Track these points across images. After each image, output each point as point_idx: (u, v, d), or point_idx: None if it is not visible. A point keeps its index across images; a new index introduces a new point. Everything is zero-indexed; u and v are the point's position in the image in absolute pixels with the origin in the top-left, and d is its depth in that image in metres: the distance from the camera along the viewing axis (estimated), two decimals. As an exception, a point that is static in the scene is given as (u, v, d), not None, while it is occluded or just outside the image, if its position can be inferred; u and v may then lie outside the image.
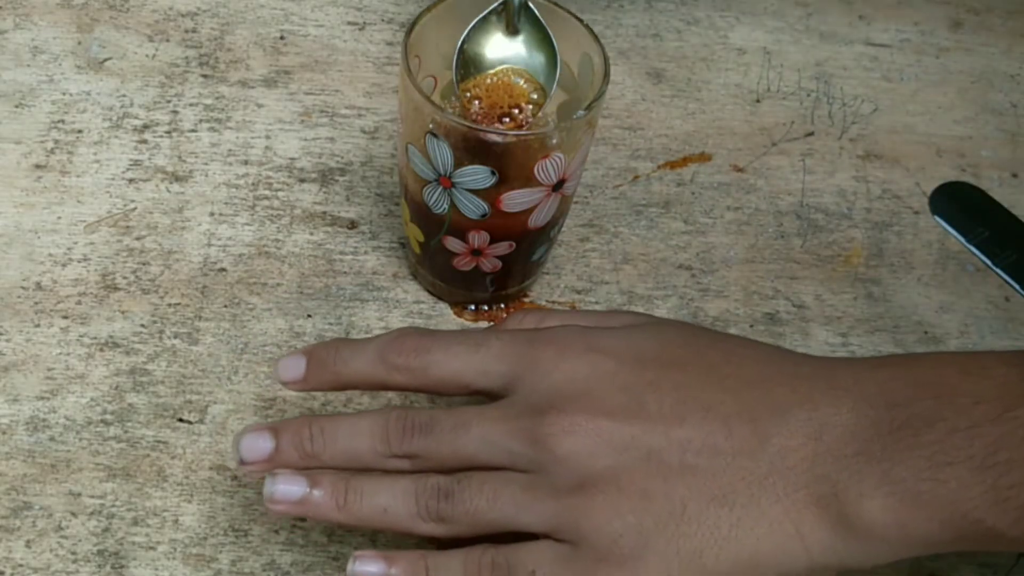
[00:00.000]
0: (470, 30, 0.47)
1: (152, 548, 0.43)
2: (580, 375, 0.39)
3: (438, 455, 0.39)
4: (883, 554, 0.37)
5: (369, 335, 0.50)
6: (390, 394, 0.48)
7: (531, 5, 0.47)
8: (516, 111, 0.48)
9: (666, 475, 0.37)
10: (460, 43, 0.47)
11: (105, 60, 0.59)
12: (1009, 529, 0.35)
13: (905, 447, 0.36)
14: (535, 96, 0.48)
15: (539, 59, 0.48)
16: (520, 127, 0.48)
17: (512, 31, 0.48)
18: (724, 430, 0.38)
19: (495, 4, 0.47)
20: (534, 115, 0.48)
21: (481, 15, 0.47)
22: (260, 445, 0.40)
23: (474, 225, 0.47)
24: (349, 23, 0.62)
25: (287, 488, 0.39)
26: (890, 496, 0.36)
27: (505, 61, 0.48)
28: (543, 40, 0.48)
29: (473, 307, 0.52)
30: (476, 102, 0.48)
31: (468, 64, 0.48)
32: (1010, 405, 0.36)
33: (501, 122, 0.48)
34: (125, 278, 0.51)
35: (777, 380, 0.39)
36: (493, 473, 0.38)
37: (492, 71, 0.48)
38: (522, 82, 0.48)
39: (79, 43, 0.59)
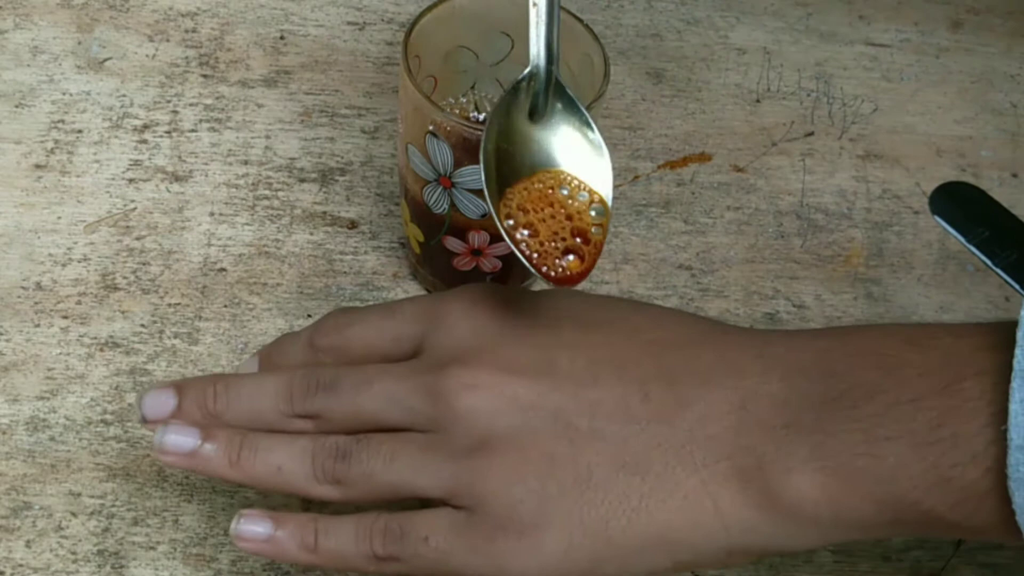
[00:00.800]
0: (493, 116, 0.37)
1: (152, 548, 0.43)
2: (488, 329, 0.37)
3: (341, 414, 0.37)
4: (811, 537, 0.34)
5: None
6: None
7: (561, 81, 0.38)
8: (580, 241, 0.37)
9: (573, 438, 0.35)
10: (484, 141, 0.37)
11: (105, 60, 0.59)
12: (949, 512, 0.32)
13: (840, 419, 0.33)
14: (595, 213, 0.37)
15: (578, 151, 0.38)
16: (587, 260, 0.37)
17: (537, 117, 0.39)
18: (640, 393, 0.35)
19: (521, 76, 0.38)
20: (603, 240, 0.37)
21: (503, 96, 0.38)
22: (162, 402, 0.38)
23: (474, 225, 0.47)
24: (349, 23, 0.62)
25: (178, 439, 0.37)
26: (821, 471, 0.33)
27: (534, 159, 0.38)
28: (578, 123, 0.38)
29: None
30: (524, 232, 0.37)
31: (497, 166, 0.37)
32: (957, 376, 0.32)
33: (564, 258, 0.37)
34: (125, 278, 0.51)
35: (705, 346, 0.36)
36: (393, 434, 0.36)
37: (526, 178, 0.37)
38: (567, 192, 0.37)
39: (79, 43, 0.59)
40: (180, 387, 0.39)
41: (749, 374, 0.35)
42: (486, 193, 0.37)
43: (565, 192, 0.38)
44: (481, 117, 0.51)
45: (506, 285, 0.38)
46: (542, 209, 0.37)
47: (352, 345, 0.39)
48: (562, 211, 0.37)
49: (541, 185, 0.37)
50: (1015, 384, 0.31)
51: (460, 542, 0.35)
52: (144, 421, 0.38)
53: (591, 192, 0.38)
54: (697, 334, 0.37)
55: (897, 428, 0.32)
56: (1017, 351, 0.31)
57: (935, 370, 0.33)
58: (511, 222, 0.37)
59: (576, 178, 0.38)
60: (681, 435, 0.34)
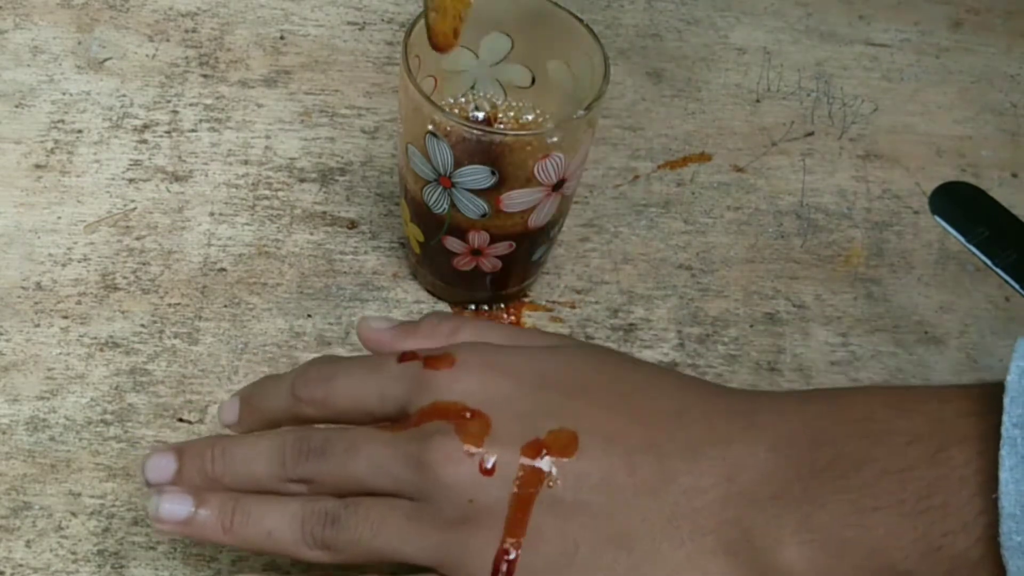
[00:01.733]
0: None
1: (152, 548, 0.43)
2: (474, 398, 0.36)
3: (332, 479, 0.37)
4: None
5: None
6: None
7: None
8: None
9: (558, 511, 0.34)
10: None
11: (105, 60, 0.59)
12: None
13: (829, 490, 0.33)
14: None
15: None
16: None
17: None
18: (627, 465, 0.34)
19: None
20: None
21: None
22: (164, 465, 0.39)
23: (474, 225, 0.47)
24: (349, 23, 0.62)
25: (172, 507, 0.38)
26: (809, 543, 0.33)
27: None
28: None
29: (473, 307, 0.52)
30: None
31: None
32: (944, 444, 0.32)
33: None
34: (125, 278, 0.51)
35: (692, 415, 0.36)
36: (380, 499, 0.36)
37: None
38: None
39: (79, 43, 0.59)
40: (180, 451, 0.39)
41: (737, 444, 0.35)
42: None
43: None
44: (481, 117, 0.51)
45: (487, 344, 0.39)
46: None
47: (336, 399, 0.39)
48: None
49: None
50: (1004, 452, 0.30)
51: None
52: (148, 484, 0.39)
53: None
54: (686, 402, 0.36)
55: (886, 498, 0.32)
56: (1004, 418, 0.31)
57: (923, 437, 0.33)
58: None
59: None
60: (668, 508, 0.34)
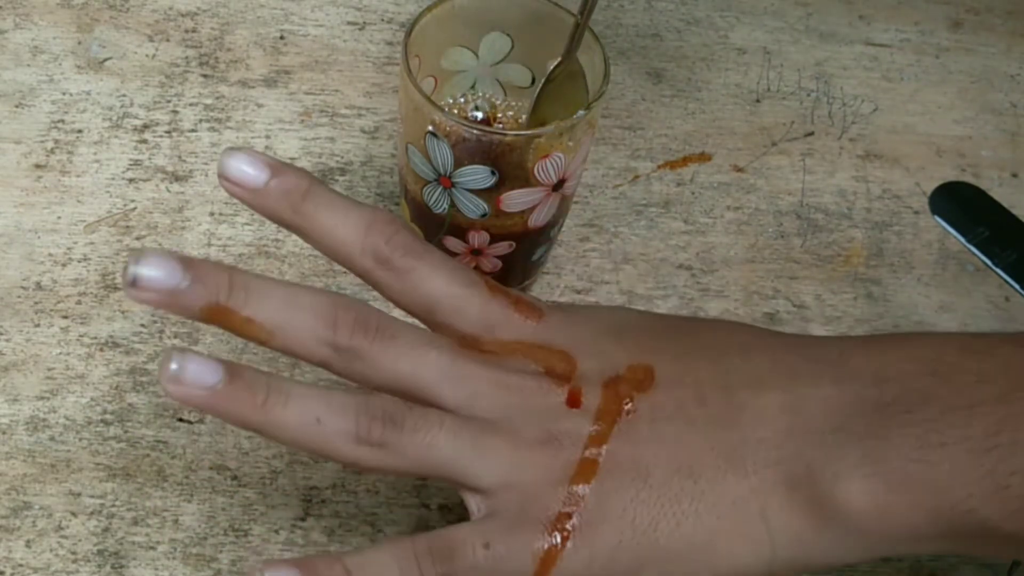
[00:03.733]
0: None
1: (152, 548, 0.43)
2: (556, 342, 0.37)
3: (387, 365, 0.35)
4: (856, 549, 0.33)
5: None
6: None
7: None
8: None
9: (634, 439, 0.35)
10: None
11: (105, 60, 0.59)
12: (1005, 522, 0.31)
13: (893, 424, 0.33)
14: None
15: None
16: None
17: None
18: (697, 397, 0.35)
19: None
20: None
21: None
22: (159, 275, 0.32)
23: (474, 225, 0.47)
24: (349, 23, 0.62)
25: (200, 370, 0.32)
26: (871, 477, 0.32)
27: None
28: None
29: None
30: None
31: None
32: (1015, 385, 0.32)
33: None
34: (125, 278, 0.50)
35: (757, 350, 0.36)
36: (450, 413, 0.35)
37: None
38: None
39: (79, 43, 0.59)
40: (189, 264, 0.33)
41: (801, 378, 0.35)
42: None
43: None
44: (480, 116, 0.51)
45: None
46: None
47: (412, 283, 0.36)
48: None
49: None
50: None
51: (514, 538, 0.34)
52: (133, 285, 0.32)
53: None
54: (750, 338, 0.37)
55: (952, 434, 0.32)
56: None
57: (992, 377, 0.32)
58: None
59: None
60: (734, 439, 0.34)
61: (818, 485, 0.33)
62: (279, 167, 0.36)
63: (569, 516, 0.34)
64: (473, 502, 0.35)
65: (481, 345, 0.37)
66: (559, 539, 0.34)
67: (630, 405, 0.35)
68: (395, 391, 0.35)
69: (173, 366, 0.32)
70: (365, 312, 0.35)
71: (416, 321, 0.38)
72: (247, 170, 0.35)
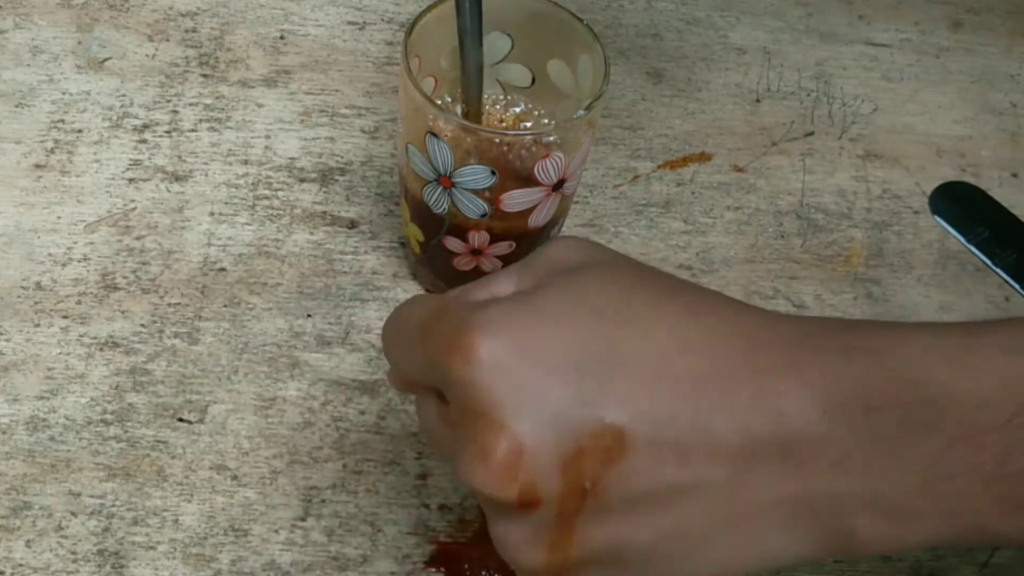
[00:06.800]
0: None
1: (152, 548, 0.43)
2: (497, 404, 0.31)
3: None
4: (868, 559, 0.34)
5: (369, 335, 0.50)
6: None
7: None
8: None
9: (606, 520, 0.32)
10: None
11: (105, 60, 0.59)
12: (1022, 535, 0.31)
13: (894, 462, 0.31)
14: None
15: None
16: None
17: None
18: (677, 454, 0.31)
19: None
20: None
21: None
22: None
23: (474, 225, 0.47)
24: (349, 23, 0.62)
25: None
26: (878, 514, 0.31)
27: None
28: None
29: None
30: None
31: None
32: (1018, 409, 0.30)
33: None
34: (125, 278, 0.51)
35: (739, 375, 0.32)
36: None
37: None
38: None
39: (79, 43, 0.59)
40: None
41: (789, 413, 0.31)
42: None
43: None
44: (481, 117, 0.51)
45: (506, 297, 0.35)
46: None
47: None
48: None
49: None
50: None
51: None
52: None
53: None
54: (731, 356, 0.32)
55: (959, 465, 0.31)
56: None
57: (994, 400, 0.31)
58: None
59: None
60: (725, 491, 0.32)
61: (825, 522, 0.32)
62: None
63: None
64: None
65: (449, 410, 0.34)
66: None
67: (599, 482, 0.31)
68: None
69: None
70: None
71: None
72: None
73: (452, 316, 0.33)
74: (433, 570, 0.44)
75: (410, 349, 0.34)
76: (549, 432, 0.31)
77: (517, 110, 0.51)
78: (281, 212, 0.54)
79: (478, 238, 0.47)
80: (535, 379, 0.31)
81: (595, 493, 0.31)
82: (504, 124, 0.51)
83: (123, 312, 0.49)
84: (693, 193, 0.57)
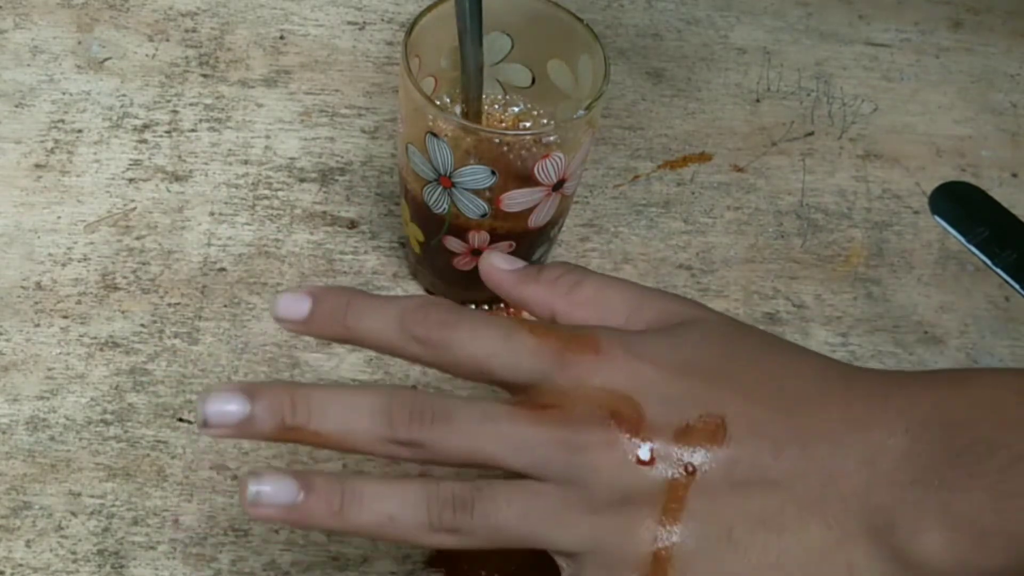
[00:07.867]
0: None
1: (152, 548, 0.43)
2: (619, 384, 0.36)
3: (450, 449, 0.35)
4: None
5: (369, 335, 0.50)
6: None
7: None
8: None
9: (712, 496, 0.35)
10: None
11: (105, 60, 0.59)
12: None
13: (965, 476, 0.33)
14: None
15: None
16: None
17: None
18: (773, 451, 0.35)
19: None
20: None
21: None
22: (229, 409, 0.34)
23: (474, 225, 0.47)
24: (349, 23, 0.62)
25: (277, 490, 0.34)
26: (951, 531, 0.33)
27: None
28: None
29: (473, 307, 0.52)
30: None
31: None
32: None
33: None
34: (125, 278, 0.51)
35: (828, 399, 0.36)
36: (518, 483, 0.35)
37: None
38: None
39: (79, 43, 0.59)
40: (251, 392, 0.35)
41: (875, 429, 0.35)
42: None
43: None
44: (481, 117, 0.51)
45: (624, 329, 0.39)
46: None
47: (455, 349, 0.36)
48: None
49: None
50: None
51: None
52: (205, 425, 0.34)
53: None
54: (820, 386, 0.37)
55: (1022, 484, 0.33)
56: None
57: None
58: None
59: None
60: (814, 492, 0.35)
61: (901, 537, 0.34)
62: (318, 293, 0.37)
63: None
64: (561, 561, 0.36)
65: (542, 397, 0.36)
66: None
67: (706, 461, 0.35)
68: (467, 467, 0.36)
69: (251, 491, 0.34)
70: (419, 402, 0.35)
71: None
72: (291, 306, 0.37)
73: (568, 325, 0.39)
74: (433, 570, 0.44)
75: (504, 341, 0.37)
76: (661, 407, 0.35)
77: (517, 110, 0.51)
78: (281, 212, 0.54)
79: (478, 238, 0.47)
80: (651, 370, 0.36)
81: (704, 470, 0.35)
82: (504, 124, 0.51)
83: (123, 312, 0.49)
84: (693, 193, 0.57)
